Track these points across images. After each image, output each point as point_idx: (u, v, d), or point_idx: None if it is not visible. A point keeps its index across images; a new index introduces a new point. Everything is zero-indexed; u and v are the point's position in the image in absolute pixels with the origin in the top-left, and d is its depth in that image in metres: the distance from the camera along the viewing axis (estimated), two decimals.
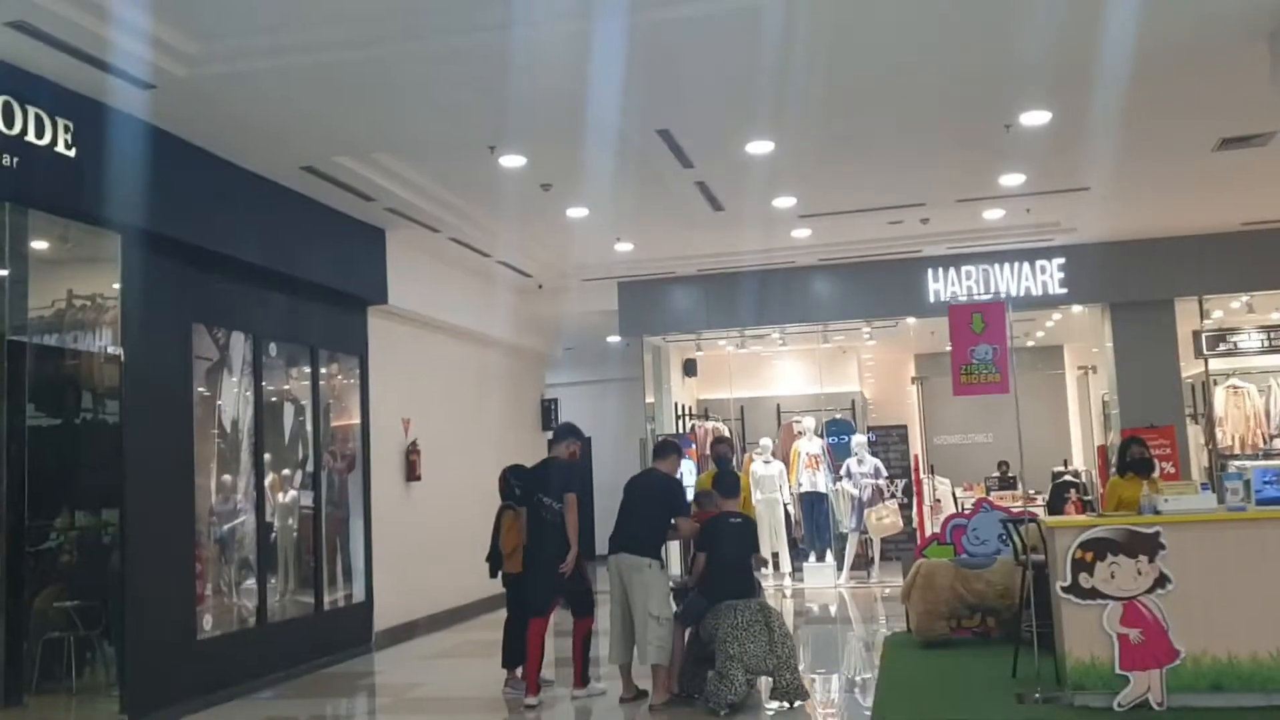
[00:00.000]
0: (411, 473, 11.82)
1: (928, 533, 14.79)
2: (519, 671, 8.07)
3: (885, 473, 15.11)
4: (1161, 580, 6.41)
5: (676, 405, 16.31)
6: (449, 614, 12.33)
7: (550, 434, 11.74)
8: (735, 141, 8.88)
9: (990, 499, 10.45)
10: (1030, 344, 18.61)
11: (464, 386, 13.61)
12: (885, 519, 14.74)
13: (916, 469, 14.73)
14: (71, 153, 6.94)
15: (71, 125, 6.93)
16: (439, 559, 12.19)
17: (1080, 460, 18.36)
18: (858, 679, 8.70)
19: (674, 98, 7.84)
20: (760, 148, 9.00)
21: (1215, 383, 14.20)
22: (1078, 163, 9.94)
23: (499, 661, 8.37)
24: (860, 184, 10.52)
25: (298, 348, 10.23)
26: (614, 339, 17.38)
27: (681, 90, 7.67)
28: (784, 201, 10.95)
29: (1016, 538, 7.98)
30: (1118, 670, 6.42)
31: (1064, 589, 6.54)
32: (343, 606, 10.63)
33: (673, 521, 7.46)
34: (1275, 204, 12.07)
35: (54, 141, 6.80)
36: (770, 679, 6.99)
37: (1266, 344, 13.89)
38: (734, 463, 9.18)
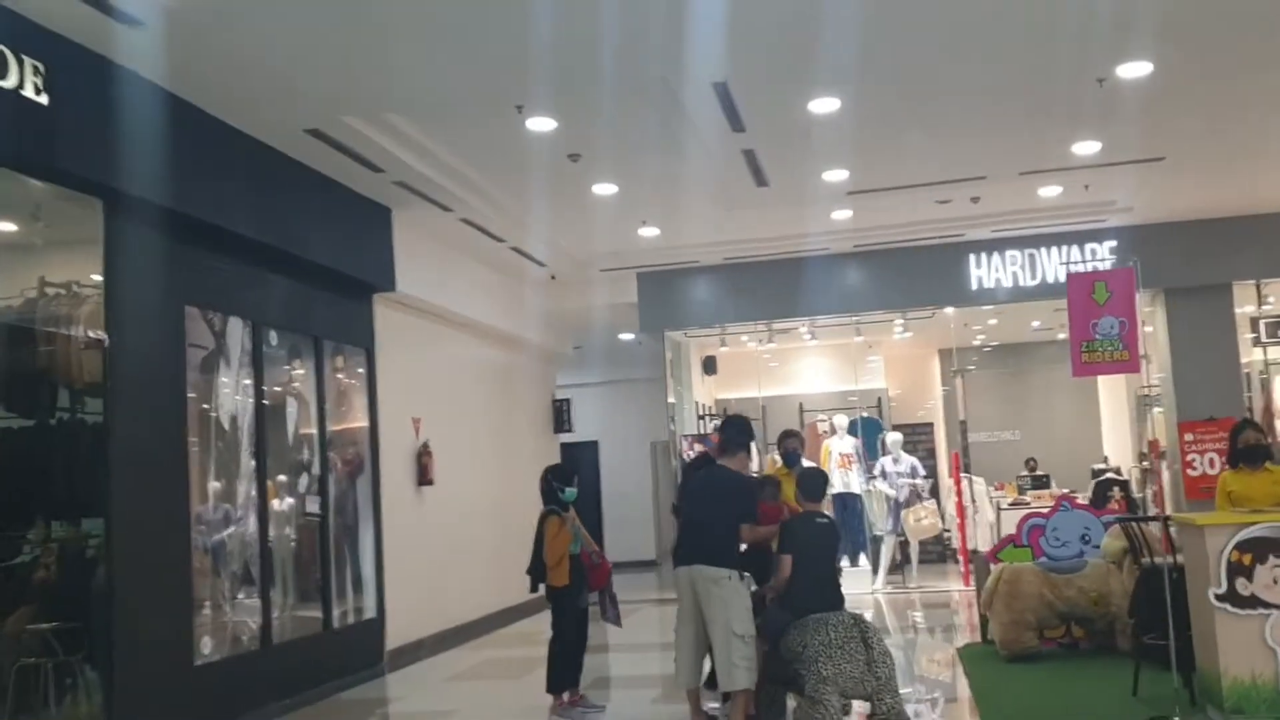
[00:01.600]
0: (424, 476, 10.80)
1: (967, 536, 13.88)
2: (565, 696, 7.10)
3: (923, 472, 14.17)
4: None
5: (696, 405, 15.34)
6: (462, 630, 11.31)
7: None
8: (798, 98, 7.92)
9: (1073, 497, 9.53)
10: (1061, 336, 17.70)
11: (475, 384, 12.62)
12: (924, 520, 13.81)
13: (956, 467, 13.77)
14: (43, 99, 5.91)
15: (43, 67, 5.91)
16: (453, 570, 11.18)
17: (1113, 457, 17.44)
18: (944, 699, 7.74)
19: (735, 43, 6.87)
20: (824, 105, 8.04)
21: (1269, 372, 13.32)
22: (1162, 126, 9.02)
23: (529, 682, 7.40)
24: (921, 154, 9.57)
25: (300, 338, 9.22)
26: (626, 336, 16.43)
27: (744, 34, 6.71)
28: (835, 175, 9.99)
29: (1138, 536, 6.98)
30: None
31: (1219, 597, 5.60)
32: (353, 624, 9.62)
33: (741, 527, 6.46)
34: None
35: (21, 84, 5.78)
36: (869, 704, 6.00)
37: None
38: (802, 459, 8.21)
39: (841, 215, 11.64)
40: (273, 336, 8.76)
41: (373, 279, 10.00)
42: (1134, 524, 6.90)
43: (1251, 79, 8.02)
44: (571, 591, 7.06)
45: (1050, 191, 11.25)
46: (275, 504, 8.85)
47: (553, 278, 13.58)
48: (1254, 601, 5.54)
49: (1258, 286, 13.03)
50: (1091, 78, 7.76)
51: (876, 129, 8.80)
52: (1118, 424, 18.11)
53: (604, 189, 10.15)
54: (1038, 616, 8.07)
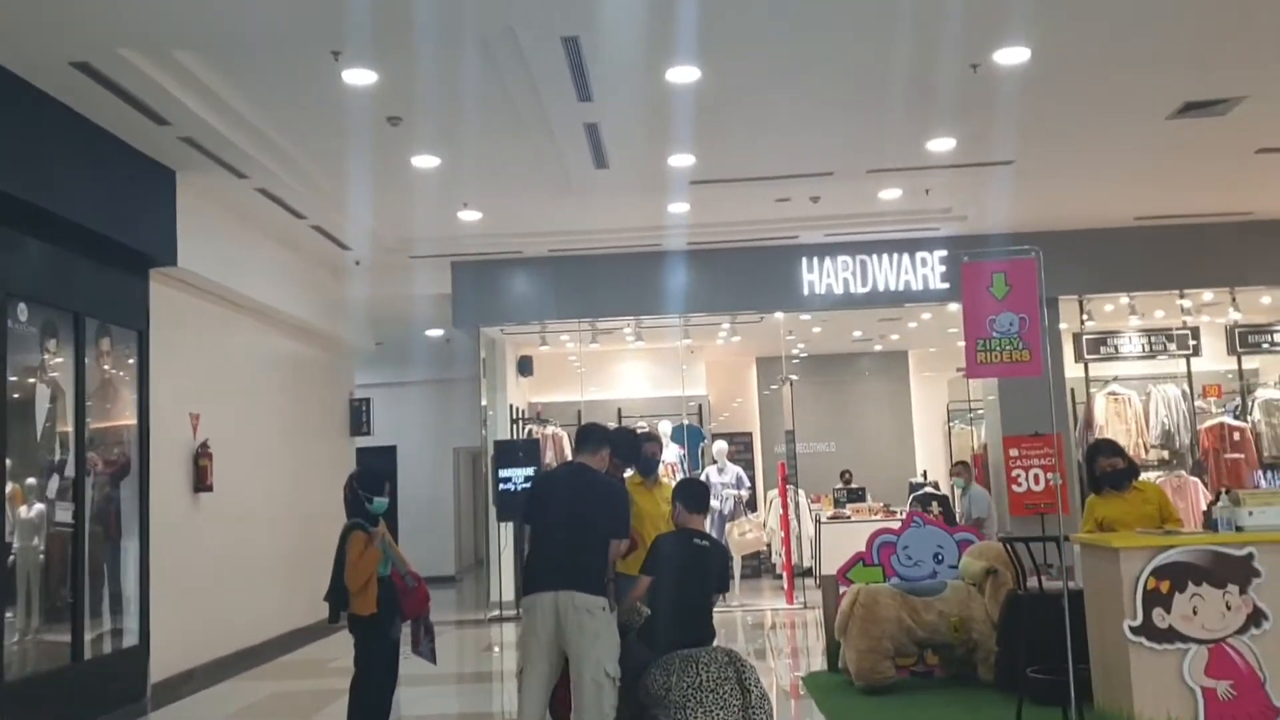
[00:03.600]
0: (202, 481, 9.40)
1: (792, 550, 13.38)
2: None
3: (748, 483, 13.61)
4: (1256, 617, 4.99)
5: (511, 408, 14.31)
6: (243, 657, 9.93)
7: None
8: (656, 64, 7.07)
9: (919, 514, 9.02)
10: (878, 348, 17.60)
11: (265, 379, 11.23)
12: (748, 534, 13.25)
13: (783, 479, 13.25)
14: None
15: None
16: (234, 588, 9.81)
17: (928, 472, 17.40)
18: None
19: None
20: (683, 75, 7.23)
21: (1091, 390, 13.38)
22: (1021, 123, 8.64)
23: None
24: (774, 143, 8.91)
25: (57, 314, 7.75)
26: (435, 332, 15.27)
27: None
28: (681, 160, 9.20)
29: (1019, 559, 6.40)
30: None
31: (1134, 630, 5.03)
32: (110, 652, 8.17)
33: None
34: (1179, 196, 11.27)
35: None
36: None
37: (1148, 348, 13.16)
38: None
39: (678, 209, 10.90)
40: (21, 310, 7.29)
41: (150, 250, 8.58)
42: (1012, 545, 6.32)
43: (1122, 78, 7.69)
44: (380, 621, 5.94)
45: (891, 194, 10.84)
46: (22, 511, 7.37)
47: (357, 264, 12.32)
48: (1171, 635, 5.02)
49: (1080, 302, 13.04)
50: (967, 62, 7.25)
51: (733, 109, 8.06)
52: (930, 438, 18.13)
53: (425, 161, 9.05)
54: (895, 644, 7.45)
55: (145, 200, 8.50)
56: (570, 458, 6.62)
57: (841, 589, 8.34)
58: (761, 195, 10.57)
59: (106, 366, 8.39)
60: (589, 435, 5.65)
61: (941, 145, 9.12)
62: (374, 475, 6.22)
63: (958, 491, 12.19)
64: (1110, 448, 7.00)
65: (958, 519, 12.06)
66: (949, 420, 17.62)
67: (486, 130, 8.37)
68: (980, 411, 14.55)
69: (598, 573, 5.20)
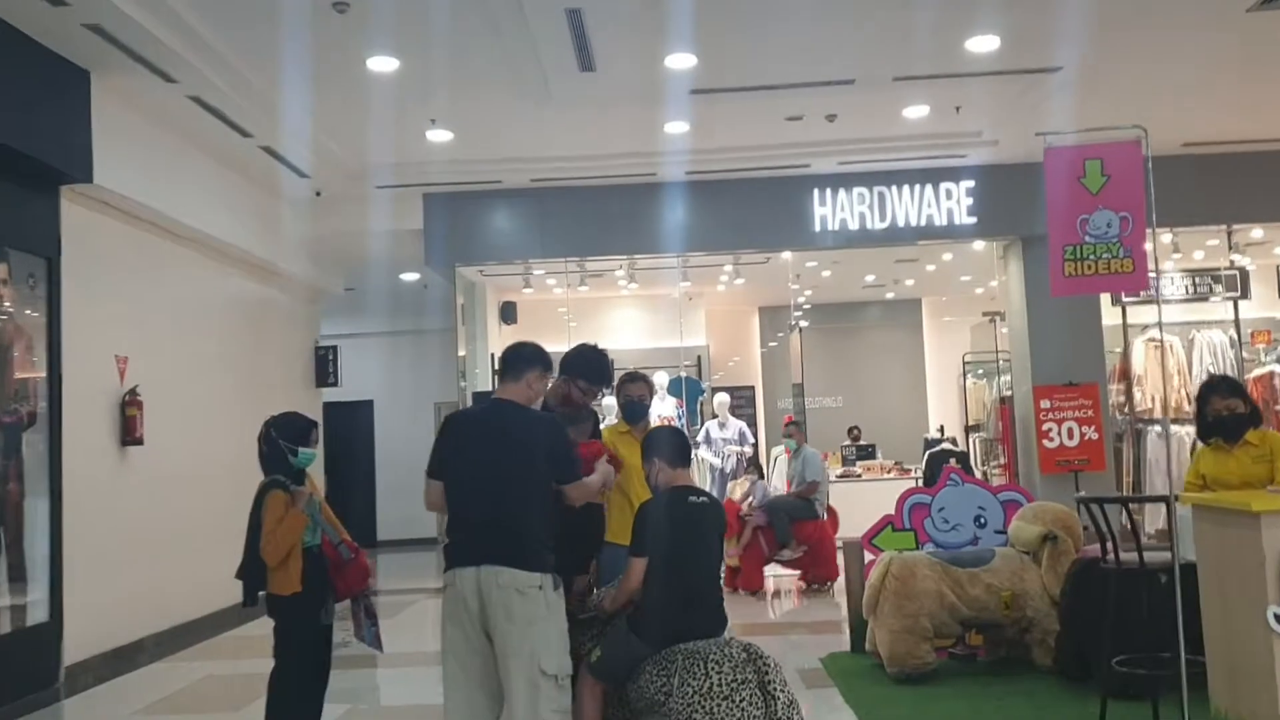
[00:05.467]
0: (129, 433, 8.18)
1: None
2: None
3: (751, 439, 12.42)
4: None
5: (492, 358, 13.09)
6: (178, 634, 8.78)
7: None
8: None
9: (957, 471, 7.83)
10: (890, 295, 16.36)
11: (211, 320, 9.99)
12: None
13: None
14: None
15: None
16: (168, 556, 8.64)
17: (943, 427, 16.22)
18: None
19: None
20: None
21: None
22: (1074, 17, 7.37)
23: (255, 714, 5.07)
24: (789, 41, 7.63)
25: None
26: (410, 276, 14.01)
27: None
28: (681, 61, 7.90)
29: (1104, 524, 5.14)
30: None
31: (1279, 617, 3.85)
32: (12, 631, 6.98)
33: (563, 489, 4.20)
34: (1237, 118, 10.03)
35: None
36: None
37: (1191, 290, 11.93)
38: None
39: (677, 129, 9.62)
40: None
41: (59, 164, 7.31)
42: (1097, 506, 5.10)
43: None
44: (306, 603, 4.75)
45: (917, 112, 9.58)
46: None
47: (318, 194, 11.02)
48: None
49: None
50: None
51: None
52: (944, 391, 16.92)
53: (382, 64, 7.79)
54: (935, 623, 6.28)
55: (53, 105, 7.23)
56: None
57: (868, 557, 7.17)
58: (771, 112, 9.30)
59: (6, 295, 7.16)
60: (511, 358, 4.34)
61: (983, 45, 7.85)
62: (298, 421, 5.01)
63: (790, 452, 11.15)
64: (1228, 385, 5.68)
65: (787, 481, 11.07)
66: (964, 373, 16.38)
67: (453, 23, 7.09)
68: (1004, 362, 13.33)
69: (533, 539, 3.99)
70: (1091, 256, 4.36)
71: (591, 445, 4.78)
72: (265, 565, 4.73)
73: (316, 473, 5.62)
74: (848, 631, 7.46)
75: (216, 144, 9.15)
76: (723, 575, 8.16)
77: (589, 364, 5.16)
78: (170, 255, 9.16)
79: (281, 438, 4.87)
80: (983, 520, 7.13)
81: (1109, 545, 4.96)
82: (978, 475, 12.91)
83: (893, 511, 7.29)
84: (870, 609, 6.52)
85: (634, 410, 5.56)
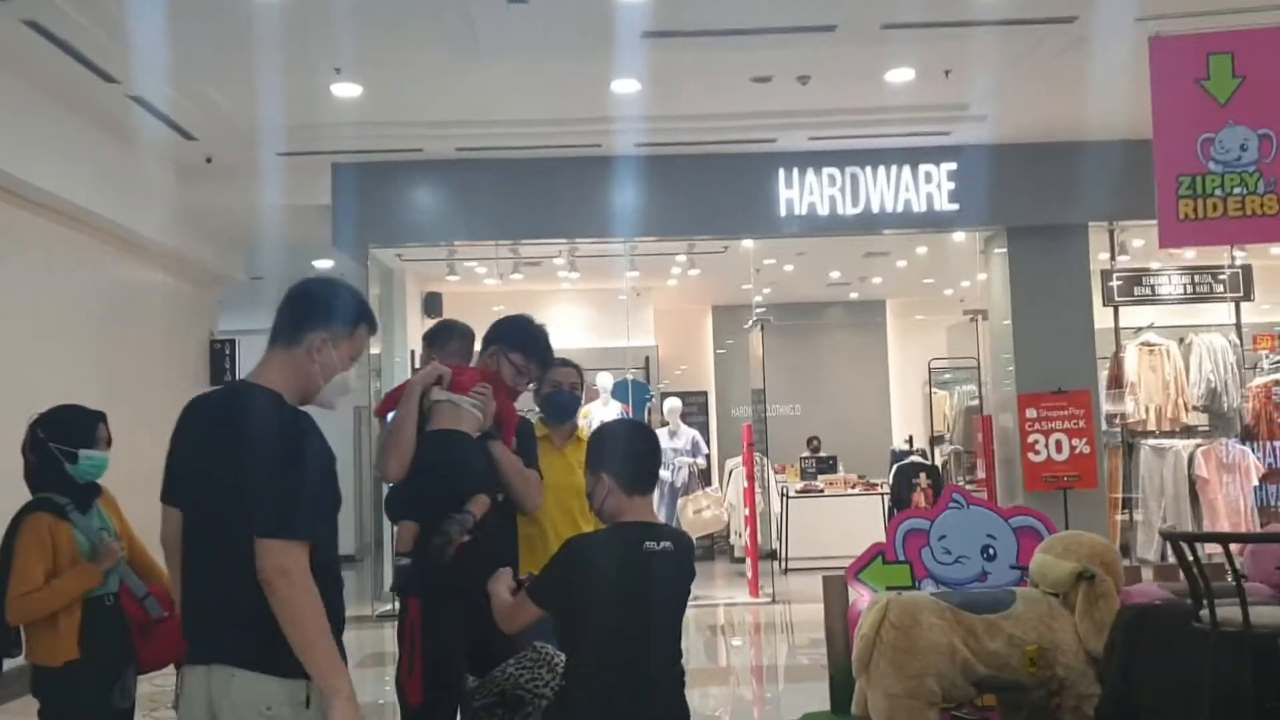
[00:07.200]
0: None
1: (758, 529, 10.87)
2: None
3: (705, 449, 11.11)
4: None
5: (412, 356, 11.66)
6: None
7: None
8: None
9: (960, 490, 6.55)
10: (854, 295, 15.15)
11: (71, 306, 8.47)
12: (705, 511, 10.74)
13: (749, 445, 10.69)
14: None
15: None
16: None
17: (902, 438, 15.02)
18: None
19: None
20: None
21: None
22: None
23: None
24: None
25: None
26: (324, 263, 12.51)
27: None
28: None
29: (1195, 568, 3.84)
30: None
31: None
32: None
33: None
34: None
35: None
36: None
37: (1190, 289, 10.80)
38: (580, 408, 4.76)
39: (626, 87, 8.29)
40: None
41: None
42: (1187, 545, 3.79)
43: None
44: (88, 676, 3.33)
45: (901, 76, 8.35)
46: None
47: (209, 161, 9.53)
48: None
49: (1111, 234, 10.68)
50: None
51: None
52: (908, 400, 15.74)
53: None
54: (944, 684, 4.95)
55: None
56: None
57: (853, 594, 5.84)
58: (736, 69, 8.01)
59: None
60: (293, 305, 2.74)
61: None
62: (75, 414, 3.58)
63: None
64: None
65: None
66: (930, 381, 15.18)
67: None
68: (980, 367, 12.16)
69: (260, 614, 2.42)
70: (1218, 192, 3.11)
71: (466, 371, 3.55)
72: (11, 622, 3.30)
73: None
74: (829, 683, 6.13)
75: (70, 88, 7.67)
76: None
77: (526, 334, 3.86)
78: (18, 223, 7.65)
79: (53, 440, 3.45)
80: (992, 551, 5.82)
81: (1202, 597, 3.69)
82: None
83: (882, 539, 5.97)
84: (862, 666, 5.16)
85: (560, 404, 4.23)
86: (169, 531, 2.67)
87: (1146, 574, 6.19)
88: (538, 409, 4.36)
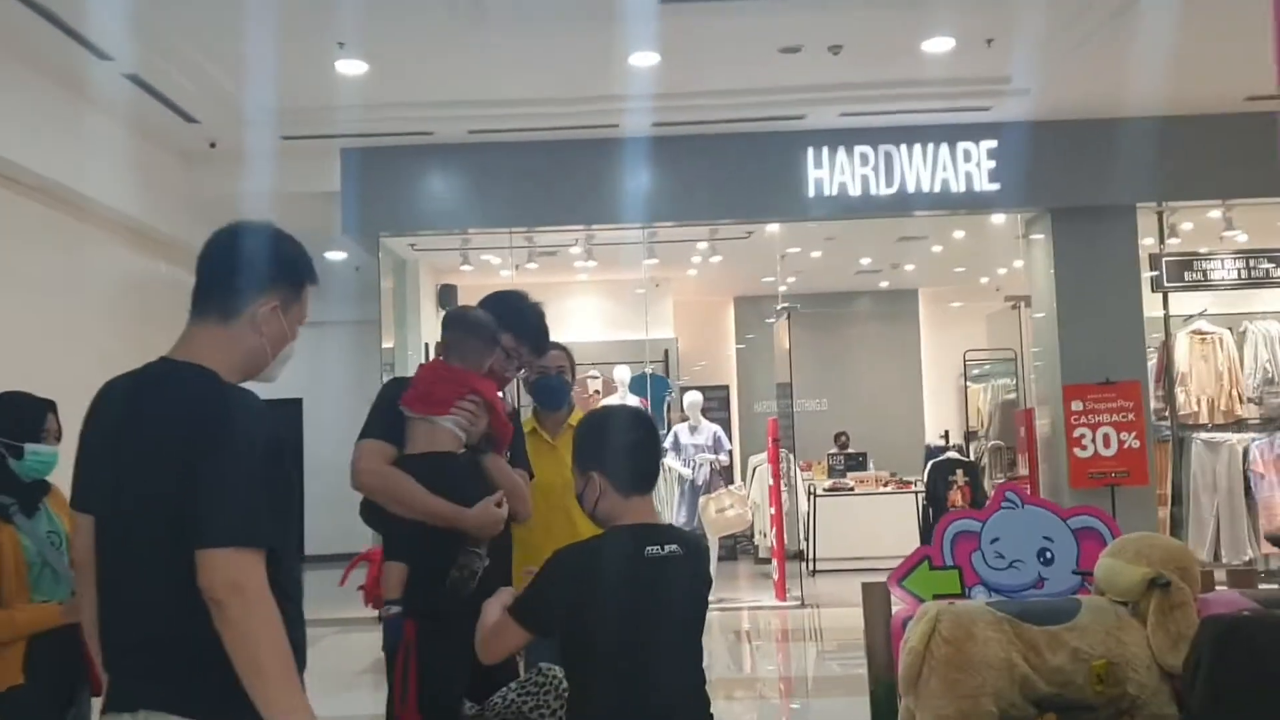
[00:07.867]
0: None
1: (784, 529, 10.39)
2: None
3: (727, 445, 10.64)
4: None
5: (426, 349, 11.25)
6: None
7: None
8: None
9: (1015, 488, 6.08)
10: (884, 284, 14.63)
11: (81, 296, 8.12)
12: (728, 510, 10.27)
13: (774, 441, 10.21)
14: None
15: None
16: None
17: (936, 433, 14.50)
18: None
19: None
20: None
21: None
22: None
23: None
24: None
25: None
26: (336, 255, 12.11)
27: None
28: None
29: None
30: None
31: None
32: None
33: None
34: None
35: None
36: None
37: (1245, 274, 10.23)
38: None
39: (644, 60, 7.82)
40: None
41: None
42: None
43: None
44: (34, 702, 2.91)
45: (940, 45, 7.85)
46: None
47: (213, 146, 9.13)
48: None
49: (1160, 215, 10.14)
50: None
51: None
52: (942, 394, 15.20)
53: None
54: (1002, 704, 4.46)
55: None
56: None
57: (896, 603, 5.35)
58: (763, 37, 7.54)
59: None
60: (213, 265, 2.34)
61: None
62: (18, 403, 3.15)
63: None
64: None
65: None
66: (964, 373, 14.64)
67: None
68: (1003, 362, 11.66)
69: (201, 646, 1.98)
70: None
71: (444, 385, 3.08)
72: None
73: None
74: (869, 701, 5.65)
75: (64, 66, 7.26)
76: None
77: (518, 312, 3.42)
78: (19, 212, 7.28)
79: None
80: (1049, 554, 5.32)
81: None
82: (988, 489, 11.28)
83: (916, 539, 5.48)
84: (910, 684, 4.68)
85: (550, 389, 3.80)
86: (80, 544, 2.22)
87: (1219, 577, 5.68)
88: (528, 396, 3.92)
